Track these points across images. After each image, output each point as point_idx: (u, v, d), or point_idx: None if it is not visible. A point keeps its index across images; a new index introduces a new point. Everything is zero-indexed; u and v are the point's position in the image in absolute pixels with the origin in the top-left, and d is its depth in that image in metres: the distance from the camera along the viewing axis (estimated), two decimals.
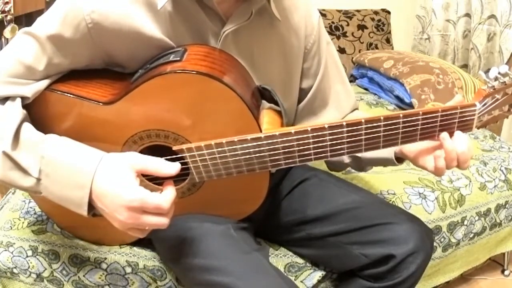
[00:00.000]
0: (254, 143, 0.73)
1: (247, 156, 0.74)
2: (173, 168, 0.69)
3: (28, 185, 0.72)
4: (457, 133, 0.76)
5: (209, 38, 0.80)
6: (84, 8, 0.72)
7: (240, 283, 0.76)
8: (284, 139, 0.73)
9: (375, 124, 0.73)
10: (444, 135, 0.76)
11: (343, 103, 0.98)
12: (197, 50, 0.76)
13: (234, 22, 0.79)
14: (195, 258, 0.81)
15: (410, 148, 0.83)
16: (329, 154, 0.75)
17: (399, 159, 0.88)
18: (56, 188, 0.70)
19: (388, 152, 0.87)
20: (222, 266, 0.79)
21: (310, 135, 0.72)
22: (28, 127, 0.73)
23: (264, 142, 0.73)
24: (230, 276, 0.77)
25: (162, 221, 0.68)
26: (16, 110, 0.72)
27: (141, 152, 0.80)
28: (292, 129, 0.72)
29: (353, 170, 1.05)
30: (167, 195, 0.68)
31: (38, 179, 0.71)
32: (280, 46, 0.88)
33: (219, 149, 0.73)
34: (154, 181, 0.81)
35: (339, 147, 0.74)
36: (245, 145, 0.73)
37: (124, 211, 0.66)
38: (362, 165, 0.95)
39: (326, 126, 0.72)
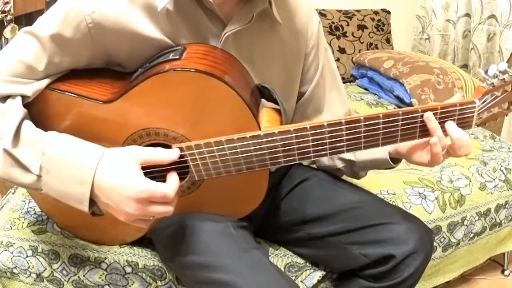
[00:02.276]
0: (254, 141, 0.73)
1: (247, 154, 0.74)
2: (174, 152, 0.71)
3: (29, 182, 0.72)
4: (448, 123, 0.76)
5: (209, 40, 0.80)
6: (84, 8, 0.73)
7: (240, 280, 0.76)
8: (283, 136, 0.73)
9: (374, 122, 0.73)
10: (428, 114, 0.75)
11: (337, 110, 0.98)
12: (196, 48, 0.76)
13: (235, 24, 0.79)
14: (195, 256, 0.81)
15: (403, 145, 0.83)
16: (328, 151, 0.75)
17: (394, 160, 0.88)
18: (57, 184, 0.71)
19: (382, 152, 0.87)
20: (221, 263, 0.79)
21: (309, 132, 0.73)
22: (28, 124, 0.73)
23: (263, 140, 0.73)
24: (230, 274, 0.77)
25: (168, 209, 0.70)
26: (16, 108, 0.73)
27: None
28: (291, 127, 0.73)
29: None
30: (172, 184, 0.70)
31: (39, 176, 0.71)
32: (280, 49, 0.88)
33: (219, 147, 0.73)
34: (153, 178, 0.81)
35: (338, 144, 0.75)
36: (244, 143, 0.73)
37: (133, 203, 0.67)
38: (355, 169, 0.95)
39: (325, 123, 0.72)
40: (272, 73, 0.88)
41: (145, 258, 0.99)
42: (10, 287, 1.00)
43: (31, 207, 1.08)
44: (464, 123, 0.77)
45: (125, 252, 0.99)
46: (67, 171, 0.69)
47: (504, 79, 0.76)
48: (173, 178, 0.71)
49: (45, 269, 0.99)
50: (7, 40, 1.51)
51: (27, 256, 0.98)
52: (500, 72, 0.76)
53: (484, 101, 0.77)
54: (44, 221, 1.04)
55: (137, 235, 0.97)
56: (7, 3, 1.47)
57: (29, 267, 0.98)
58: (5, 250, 0.98)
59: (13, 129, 0.70)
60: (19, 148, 0.71)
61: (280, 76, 0.90)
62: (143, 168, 0.70)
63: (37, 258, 0.99)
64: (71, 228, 0.99)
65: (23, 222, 1.04)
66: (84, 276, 0.99)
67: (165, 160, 0.71)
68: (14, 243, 0.99)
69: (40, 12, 1.54)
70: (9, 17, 1.50)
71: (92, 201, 0.70)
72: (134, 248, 1.00)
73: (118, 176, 0.67)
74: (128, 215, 0.69)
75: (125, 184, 0.67)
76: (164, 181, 0.72)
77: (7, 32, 1.51)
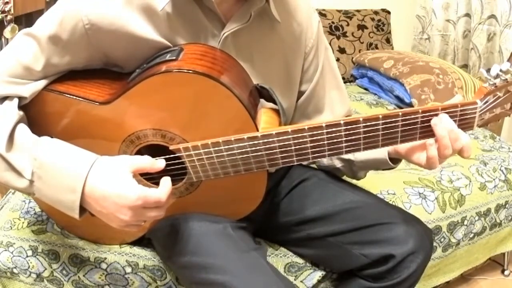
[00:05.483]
0: (251, 142, 0.73)
1: (244, 156, 0.74)
2: (160, 163, 0.73)
3: (22, 187, 0.72)
4: (442, 115, 0.74)
5: (208, 39, 0.80)
6: (81, 10, 0.73)
7: (237, 281, 0.76)
8: (281, 138, 0.73)
9: (373, 123, 0.73)
10: (436, 120, 0.74)
11: (337, 109, 0.98)
12: (194, 49, 0.76)
13: (233, 24, 0.79)
14: (193, 256, 0.81)
15: (403, 145, 0.82)
16: (327, 153, 0.75)
17: (394, 160, 0.88)
18: (48, 190, 0.71)
19: (381, 153, 0.87)
20: (219, 264, 0.79)
21: (307, 134, 0.72)
22: (22, 128, 0.73)
23: (261, 141, 0.73)
24: (227, 275, 0.77)
25: (160, 213, 0.71)
26: (12, 111, 0.73)
27: (139, 151, 0.80)
28: (289, 128, 0.72)
29: None
30: (164, 188, 0.71)
31: (31, 181, 0.71)
32: (280, 48, 0.88)
33: (216, 148, 0.73)
34: (152, 179, 0.81)
35: (337, 146, 0.74)
36: (241, 144, 0.73)
37: (128, 211, 0.67)
38: (354, 169, 0.95)
39: (324, 125, 0.72)
40: (272, 72, 0.88)
41: (145, 258, 0.99)
42: (10, 287, 1.00)
43: (31, 207, 1.08)
44: (465, 124, 0.76)
45: (125, 252, 0.99)
46: (58, 178, 0.69)
47: (506, 79, 0.74)
48: (165, 183, 0.72)
49: (45, 269, 0.99)
50: (7, 40, 1.50)
51: (27, 256, 0.98)
52: (502, 72, 0.74)
53: (486, 102, 0.76)
54: (44, 221, 1.04)
55: (137, 235, 0.97)
56: (7, 3, 1.47)
57: (29, 267, 0.98)
58: (5, 250, 0.98)
59: (7, 133, 0.71)
60: (13, 153, 0.71)
61: (280, 75, 0.89)
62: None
63: (37, 258, 0.99)
64: (71, 227, 0.99)
65: (23, 222, 1.04)
66: (84, 276, 0.99)
67: (155, 169, 0.72)
68: (14, 243, 0.99)
69: (40, 12, 1.54)
70: (9, 17, 1.50)
71: (83, 208, 0.71)
72: (134, 248, 1.00)
73: (113, 185, 0.68)
74: (123, 222, 0.69)
75: (120, 192, 0.67)
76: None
77: (7, 32, 1.51)
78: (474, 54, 2.03)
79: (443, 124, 0.73)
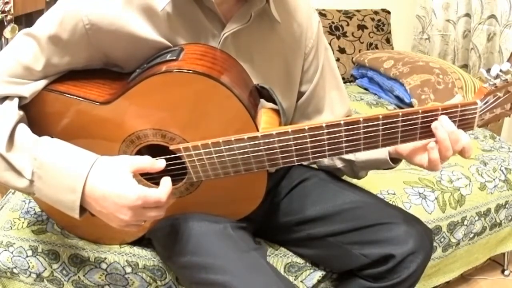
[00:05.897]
0: (251, 142, 0.73)
1: (245, 156, 0.74)
2: (161, 163, 0.73)
3: (22, 186, 0.72)
4: (442, 117, 0.74)
5: (208, 40, 0.80)
6: (82, 10, 0.73)
7: (237, 281, 0.76)
8: (281, 138, 0.73)
9: (373, 123, 0.73)
10: (436, 124, 0.74)
11: (337, 109, 0.98)
12: (194, 49, 0.76)
13: (234, 24, 0.79)
14: (193, 256, 0.82)
15: (404, 146, 0.82)
16: (327, 153, 0.75)
17: (394, 160, 0.88)
18: (49, 190, 0.71)
19: (382, 153, 0.87)
20: (219, 264, 0.79)
21: (307, 134, 0.72)
22: (23, 128, 0.73)
23: (261, 141, 0.73)
24: (227, 275, 0.77)
25: (160, 213, 0.72)
26: (12, 111, 0.73)
27: (139, 151, 0.80)
28: (289, 128, 0.72)
29: None
30: (164, 188, 0.71)
31: (31, 181, 0.71)
32: (280, 49, 0.88)
33: (216, 148, 0.73)
34: (152, 179, 0.81)
35: (337, 146, 0.74)
36: (242, 144, 0.73)
37: (128, 211, 0.68)
38: (355, 169, 0.95)
39: (324, 125, 0.72)
40: (272, 72, 0.88)
41: (145, 258, 0.99)
42: (10, 287, 1.00)
43: (31, 207, 1.08)
44: (466, 125, 0.76)
45: (125, 252, 0.99)
46: (58, 178, 0.69)
47: (507, 79, 0.74)
48: (165, 183, 0.72)
49: (45, 269, 0.99)
50: (7, 40, 1.51)
51: (27, 256, 0.98)
52: (502, 72, 0.74)
53: (486, 102, 0.76)
54: (44, 221, 1.04)
55: (137, 235, 0.97)
56: (7, 3, 1.47)
57: (29, 267, 0.98)
58: (5, 250, 0.98)
59: (7, 133, 0.71)
60: (13, 152, 0.71)
61: (280, 75, 0.89)
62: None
63: (37, 258, 0.99)
64: (71, 227, 0.99)
65: (23, 222, 1.04)
66: (84, 276, 0.99)
67: (157, 168, 0.72)
68: (14, 243, 0.99)
69: (40, 12, 1.54)
70: (9, 17, 1.50)
71: (83, 208, 0.71)
72: (134, 248, 1.00)
73: (113, 185, 0.68)
74: (123, 222, 0.70)
75: (120, 192, 0.67)
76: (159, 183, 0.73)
77: (7, 32, 1.51)
78: (474, 54, 2.03)
79: (443, 127, 0.74)
